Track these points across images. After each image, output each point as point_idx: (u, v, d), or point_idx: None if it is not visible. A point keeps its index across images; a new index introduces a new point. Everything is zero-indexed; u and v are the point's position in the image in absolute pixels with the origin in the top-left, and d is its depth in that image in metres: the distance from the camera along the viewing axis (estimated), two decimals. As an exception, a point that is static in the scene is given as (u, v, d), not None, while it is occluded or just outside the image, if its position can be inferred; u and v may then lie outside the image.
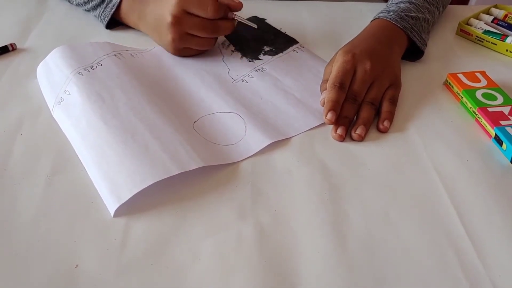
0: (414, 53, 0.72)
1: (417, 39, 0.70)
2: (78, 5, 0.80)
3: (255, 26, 0.69)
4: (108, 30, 0.77)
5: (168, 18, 0.64)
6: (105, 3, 0.74)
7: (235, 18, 0.68)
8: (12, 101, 0.63)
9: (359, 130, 0.59)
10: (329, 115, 0.59)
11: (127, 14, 0.73)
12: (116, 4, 0.73)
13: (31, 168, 0.53)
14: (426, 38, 0.73)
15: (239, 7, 0.68)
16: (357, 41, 0.67)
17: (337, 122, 0.59)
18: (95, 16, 0.77)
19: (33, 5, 0.83)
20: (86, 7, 0.78)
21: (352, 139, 0.59)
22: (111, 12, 0.74)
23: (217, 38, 0.70)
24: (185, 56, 0.70)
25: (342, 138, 0.59)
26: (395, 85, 0.65)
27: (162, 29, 0.66)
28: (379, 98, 0.63)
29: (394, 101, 0.64)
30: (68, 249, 0.45)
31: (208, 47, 0.69)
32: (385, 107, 0.62)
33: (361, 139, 0.59)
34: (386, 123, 0.61)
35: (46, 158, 0.55)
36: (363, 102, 0.62)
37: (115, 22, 0.76)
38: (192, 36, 0.66)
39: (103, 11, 0.75)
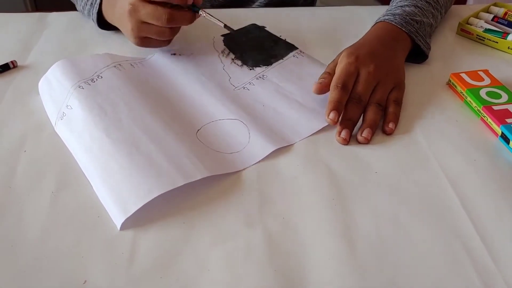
0: (417, 56, 0.72)
1: (422, 43, 0.70)
2: (80, 11, 0.83)
3: (221, 24, 0.68)
4: (107, 44, 0.77)
5: (127, 7, 0.65)
6: (91, 3, 0.76)
7: (203, 15, 0.68)
8: (15, 118, 0.63)
9: (366, 133, 0.58)
10: (332, 115, 0.58)
11: (106, 11, 0.75)
12: (98, 3, 0.75)
13: (36, 185, 0.53)
14: (429, 42, 0.73)
15: (198, 2, 0.68)
16: (361, 43, 0.67)
17: (341, 125, 0.59)
18: (92, 19, 0.79)
19: (33, 22, 0.84)
20: (84, 11, 0.80)
21: (358, 142, 0.59)
22: (95, 12, 0.75)
23: (178, 28, 0.69)
24: (149, 46, 0.70)
25: (346, 142, 0.58)
26: (399, 87, 0.65)
27: (124, 19, 0.67)
28: (384, 99, 0.63)
29: (398, 103, 0.63)
30: (76, 265, 0.45)
31: (167, 37, 0.68)
32: (390, 108, 0.62)
33: (367, 142, 0.59)
34: (391, 125, 0.60)
35: (50, 174, 0.54)
36: (369, 103, 0.62)
37: (106, 23, 0.77)
38: (149, 24, 0.66)
39: (92, 12, 0.77)
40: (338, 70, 0.62)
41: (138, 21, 0.65)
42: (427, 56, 0.72)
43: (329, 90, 0.62)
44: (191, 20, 0.68)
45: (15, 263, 0.45)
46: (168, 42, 0.70)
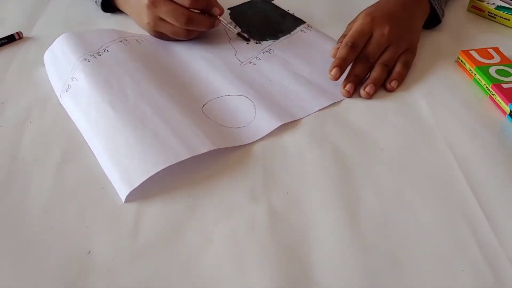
0: (429, 23, 0.72)
1: (438, 7, 0.71)
2: None
3: (235, 31, 0.70)
4: (113, 18, 0.76)
5: (145, 0, 0.64)
6: None
7: (220, 19, 0.68)
8: (21, 89, 0.63)
9: (368, 88, 0.61)
10: (334, 71, 0.61)
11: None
12: None
13: (41, 156, 0.53)
14: (443, 9, 0.73)
15: (219, 12, 0.67)
16: (383, 4, 0.68)
17: (346, 79, 0.61)
18: (95, 2, 0.77)
19: (38, -7, 0.83)
20: None
21: (361, 96, 0.61)
22: None
23: (196, 32, 0.67)
24: (163, 39, 0.69)
25: (349, 94, 0.61)
26: (411, 50, 0.66)
27: (141, 11, 0.66)
28: (392, 60, 0.64)
29: (406, 65, 0.65)
30: (80, 236, 0.45)
31: (182, 37, 0.67)
32: (397, 68, 0.64)
33: (369, 97, 0.61)
34: (393, 83, 0.62)
35: (55, 145, 0.54)
36: (377, 63, 0.63)
37: (111, 6, 0.76)
38: (166, 22, 0.65)
39: None
40: (352, 29, 0.64)
41: (155, 16, 0.65)
42: (440, 21, 0.72)
43: None
44: (210, 26, 0.67)
45: (20, 233, 0.45)
46: (184, 39, 0.68)
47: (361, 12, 0.66)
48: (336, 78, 0.61)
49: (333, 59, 0.63)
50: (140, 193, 0.48)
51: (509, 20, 0.75)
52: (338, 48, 0.64)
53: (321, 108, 0.60)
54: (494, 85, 0.60)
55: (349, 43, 0.62)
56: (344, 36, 0.66)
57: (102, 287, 0.41)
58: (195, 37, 0.68)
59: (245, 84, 0.62)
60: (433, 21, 0.72)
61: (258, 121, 0.57)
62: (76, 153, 0.54)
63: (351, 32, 0.63)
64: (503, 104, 0.59)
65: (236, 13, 0.77)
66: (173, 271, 0.43)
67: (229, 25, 0.69)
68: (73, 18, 0.77)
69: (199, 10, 0.66)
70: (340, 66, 0.61)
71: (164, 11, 0.63)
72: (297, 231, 0.46)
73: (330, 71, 0.61)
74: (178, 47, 0.69)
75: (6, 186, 0.50)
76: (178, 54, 0.68)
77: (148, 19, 0.65)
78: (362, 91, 0.61)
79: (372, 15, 0.64)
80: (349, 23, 0.68)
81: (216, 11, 0.66)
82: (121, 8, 0.75)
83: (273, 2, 0.80)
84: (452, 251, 0.44)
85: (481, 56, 0.66)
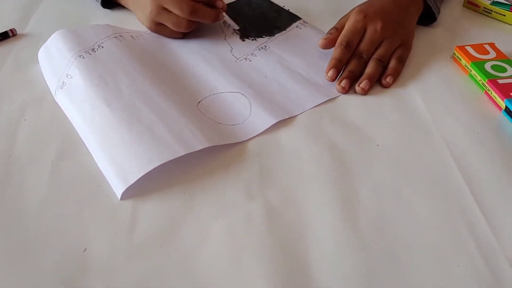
0: (425, 19, 0.72)
1: (433, 5, 0.70)
2: None
3: (237, 27, 0.70)
4: (108, 14, 0.76)
5: None
6: None
7: (223, 14, 0.68)
8: (15, 87, 0.62)
9: (363, 84, 0.61)
10: (330, 73, 0.61)
11: None
12: None
13: (37, 154, 0.53)
14: (439, 6, 0.73)
15: (222, 6, 0.67)
16: (374, 0, 0.68)
17: (342, 75, 0.62)
18: None
19: (32, -11, 0.82)
20: None
21: (356, 93, 0.61)
22: None
23: (196, 23, 0.67)
24: (160, 33, 0.69)
25: (345, 91, 0.61)
26: (405, 45, 0.66)
27: (144, 1, 0.66)
28: (387, 56, 0.64)
29: (401, 60, 0.65)
30: (76, 234, 0.45)
31: (183, 29, 0.67)
32: (392, 64, 0.64)
33: (365, 93, 0.61)
34: (389, 79, 0.62)
35: (51, 143, 0.54)
36: (371, 59, 0.63)
37: (111, 2, 0.76)
38: (169, 12, 0.65)
39: None
40: (345, 27, 0.64)
41: (159, 5, 0.65)
42: (435, 18, 0.72)
43: (334, 46, 0.64)
44: (214, 18, 0.67)
45: (15, 232, 0.45)
46: (180, 35, 0.69)
47: (353, 9, 0.66)
48: (333, 80, 0.62)
49: (321, 48, 0.65)
50: (136, 191, 0.48)
51: (504, 15, 0.75)
52: (326, 38, 0.65)
53: (317, 104, 0.59)
54: (490, 80, 0.60)
55: (343, 43, 0.63)
56: (334, 28, 0.66)
57: (99, 285, 0.41)
58: (192, 29, 0.68)
59: (240, 81, 0.62)
60: (429, 18, 0.72)
61: (253, 118, 0.57)
62: (71, 150, 0.53)
63: (344, 31, 0.64)
64: (498, 99, 0.59)
65: (232, 9, 0.76)
66: (169, 268, 0.43)
67: (231, 21, 0.69)
68: (68, 15, 0.76)
69: (203, 2, 0.66)
70: (336, 67, 0.62)
71: (170, 1, 0.64)
72: (294, 228, 0.46)
73: (327, 72, 0.62)
74: (173, 44, 0.68)
75: (1, 185, 0.49)
76: (174, 51, 0.67)
77: (152, 8, 0.65)
78: (357, 87, 0.61)
79: (365, 12, 0.64)
80: (341, 18, 0.68)
81: (219, 4, 0.67)
82: (122, 3, 0.74)
83: (268, -2, 0.80)
84: (449, 248, 0.44)
85: (476, 51, 0.66)
